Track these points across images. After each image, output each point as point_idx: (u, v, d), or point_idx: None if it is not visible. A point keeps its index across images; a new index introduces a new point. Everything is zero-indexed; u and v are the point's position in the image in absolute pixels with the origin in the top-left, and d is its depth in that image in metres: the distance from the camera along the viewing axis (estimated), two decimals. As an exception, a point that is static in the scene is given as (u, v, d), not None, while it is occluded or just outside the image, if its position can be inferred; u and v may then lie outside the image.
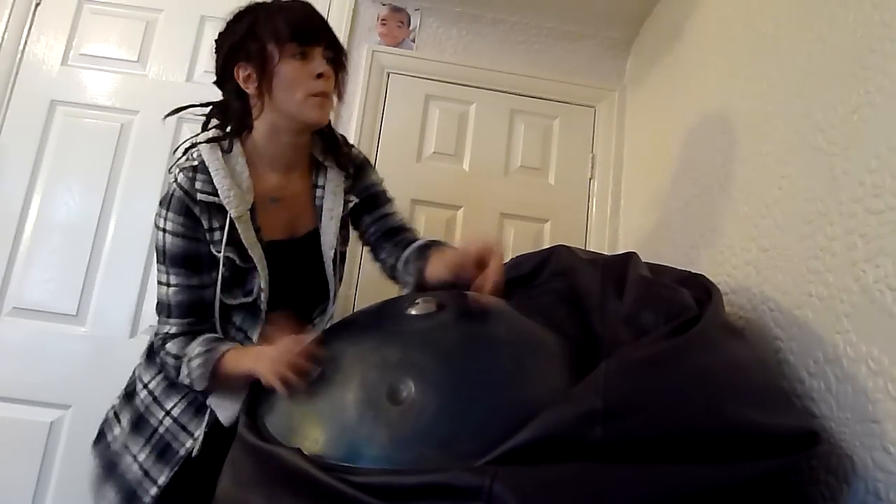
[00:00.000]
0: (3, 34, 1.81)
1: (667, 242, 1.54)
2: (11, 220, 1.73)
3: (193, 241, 1.04)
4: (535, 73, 2.02)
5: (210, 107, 1.12)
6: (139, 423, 1.09)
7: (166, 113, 1.12)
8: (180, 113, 1.12)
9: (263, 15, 1.03)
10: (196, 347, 1.01)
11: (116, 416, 1.13)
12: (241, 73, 1.04)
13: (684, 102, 1.58)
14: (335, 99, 1.10)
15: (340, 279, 1.20)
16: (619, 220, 1.95)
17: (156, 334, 1.08)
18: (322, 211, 1.13)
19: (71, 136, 1.80)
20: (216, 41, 1.08)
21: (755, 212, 1.16)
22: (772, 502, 0.72)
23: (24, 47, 1.83)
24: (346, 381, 0.79)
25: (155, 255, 1.06)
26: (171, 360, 1.04)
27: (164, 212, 1.03)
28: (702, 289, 0.94)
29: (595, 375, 0.69)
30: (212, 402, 1.04)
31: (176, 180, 1.04)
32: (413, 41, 1.99)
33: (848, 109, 0.94)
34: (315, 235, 1.14)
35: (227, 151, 1.06)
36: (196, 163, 1.04)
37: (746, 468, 0.66)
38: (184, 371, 1.01)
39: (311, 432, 0.76)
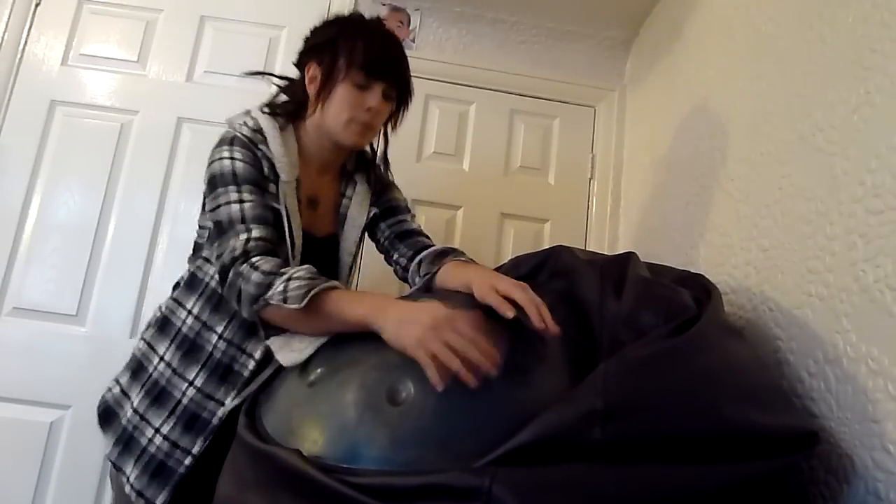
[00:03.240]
0: (3, 34, 1.81)
1: (667, 242, 1.54)
2: (11, 220, 1.73)
3: (261, 174, 1.04)
4: (535, 73, 2.02)
5: (287, 83, 1.18)
6: (160, 396, 1.04)
7: (249, 72, 1.20)
8: (263, 75, 1.20)
9: (350, 31, 1.09)
10: (301, 270, 0.91)
11: (125, 393, 1.09)
12: (310, 72, 1.11)
13: (684, 102, 1.58)
14: (390, 129, 1.19)
15: (346, 286, 1.21)
16: (619, 220, 1.95)
17: (227, 250, 0.96)
18: (346, 219, 1.18)
19: (71, 136, 1.80)
20: (311, 30, 1.15)
21: (755, 212, 1.16)
22: (772, 502, 0.72)
23: (24, 47, 1.83)
24: (345, 381, 0.79)
25: (212, 185, 1.01)
26: (257, 276, 0.91)
27: (227, 147, 1.04)
28: (701, 289, 0.94)
29: (594, 376, 0.69)
30: (274, 342, 0.94)
31: (238, 129, 1.06)
32: (413, 41, 1.98)
33: (848, 109, 0.94)
34: (332, 240, 1.17)
35: (282, 128, 1.10)
36: (255, 127, 1.08)
37: (746, 468, 0.66)
38: (277, 287, 0.89)
39: (311, 433, 0.76)
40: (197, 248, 1.14)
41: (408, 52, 1.16)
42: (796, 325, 0.98)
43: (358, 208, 1.19)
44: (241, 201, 0.99)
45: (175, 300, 1.11)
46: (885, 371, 0.80)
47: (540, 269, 1.06)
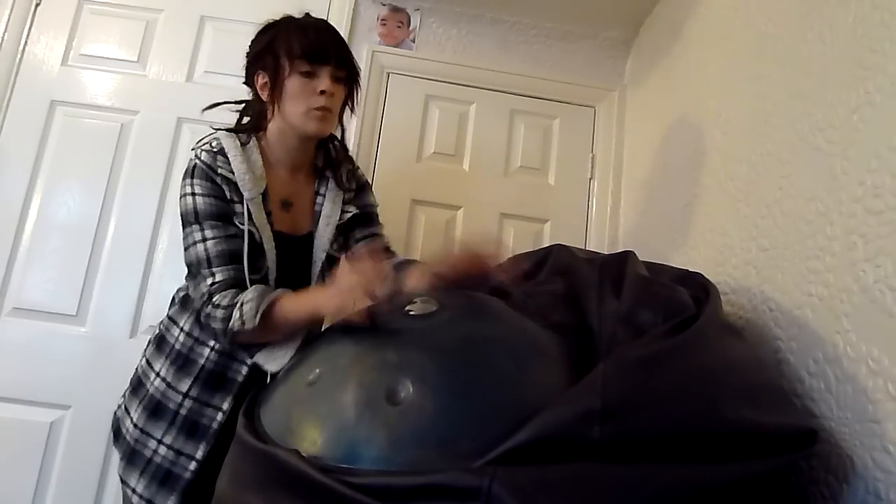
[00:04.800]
0: (3, 34, 1.82)
1: (667, 242, 1.54)
2: (11, 220, 1.73)
3: (222, 201, 1.09)
4: (535, 73, 2.02)
5: (243, 104, 1.23)
6: (157, 410, 1.10)
7: (205, 107, 1.21)
8: (219, 106, 1.20)
9: (284, 30, 1.14)
10: (249, 293, 1.02)
11: (126, 410, 1.15)
12: (259, 80, 1.16)
13: (684, 102, 1.58)
14: (348, 112, 1.23)
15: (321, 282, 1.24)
16: (619, 220, 1.95)
17: (197, 296, 1.07)
18: (320, 217, 1.20)
19: (71, 137, 1.80)
20: (249, 45, 1.19)
21: (755, 212, 1.15)
22: (771, 502, 0.72)
23: (24, 47, 1.84)
24: (344, 381, 0.79)
25: (182, 223, 1.09)
26: (219, 313, 1.02)
27: (189, 180, 1.09)
28: (700, 287, 0.94)
29: (593, 375, 0.69)
30: (259, 357, 1.04)
31: (198, 156, 1.11)
32: (413, 41, 1.99)
33: (848, 109, 0.94)
34: (309, 238, 1.20)
35: (244, 143, 1.14)
36: (216, 148, 1.12)
37: (745, 467, 0.66)
38: (235, 316, 1.00)
39: (310, 433, 0.76)
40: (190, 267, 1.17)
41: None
42: (796, 325, 0.98)
43: (331, 205, 1.22)
44: (204, 240, 1.06)
45: (170, 318, 1.18)
46: (885, 371, 0.79)
47: (539, 267, 1.06)
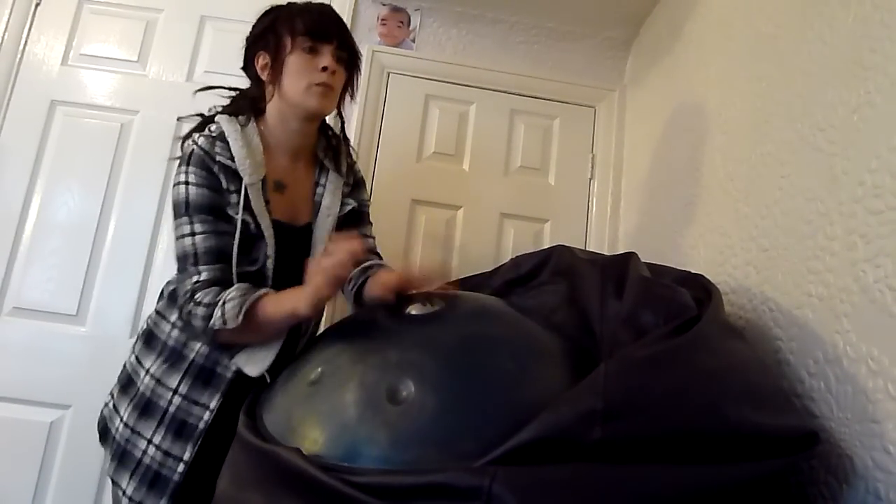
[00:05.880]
0: (3, 34, 1.81)
1: (667, 242, 1.54)
2: (11, 220, 1.73)
3: (216, 192, 1.06)
4: (535, 73, 2.02)
5: (237, 91, 1.21)
6: (147, 407, 1.07)
7: (198, 88, 1.22)
8: (211, 90, 1.20)
9: (286, 12, 1.14)
10: (232, 291, 1.00)
11: (115, 408, 1.12)
12: (260, 61, 1.15)
13: (684, 102, 1.58)
14: (347, 99, 1.23)
15: None
16: (619, 220, 1.95)
17: (181, 292, 1.04)
18: (320, 207, 1.19)
19: (71, 136, 1.80)
20: (250, 29, 1.19)
21: (755, 212, 1.16)
22: (771, 502, 0.72)
23: (24, 47, 1.83)
24: (345, 381, 0.79)
25: (173, 212, 1.06)
26: (201, 311, 1.00)
27: (184, 167, 1.07)
28: (701, 289, 0.94)
29: (594, 376, 0.69)
30: (239, 359, 1.03)
31: (196, 142, 1.08)
32: (413, 41, 1.99)
33: (848, 109, 0.94)
34: (309, 229, 1.18)
35: (243, 125, 1.12)
36: (215, 133, 1.10)
37: (746, 468, 0.66)
38: (216, 315, 0.98)
39: (311, 432, 0.76)
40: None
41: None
42: (796, 325, 0.98)
43: (331, 197, 1.20)
44: (193, 234, 1.04)
45: (158, 313, 1.15)
46: (885, 371, 0.80)
47: (540, 268, 1.06)
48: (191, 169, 1.06)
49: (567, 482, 0.61)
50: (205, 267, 1.03)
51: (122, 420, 1.09)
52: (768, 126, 1.16)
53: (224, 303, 0.98)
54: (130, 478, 1.05)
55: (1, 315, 1.70)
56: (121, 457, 1.07)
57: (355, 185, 1.29)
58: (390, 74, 1.96)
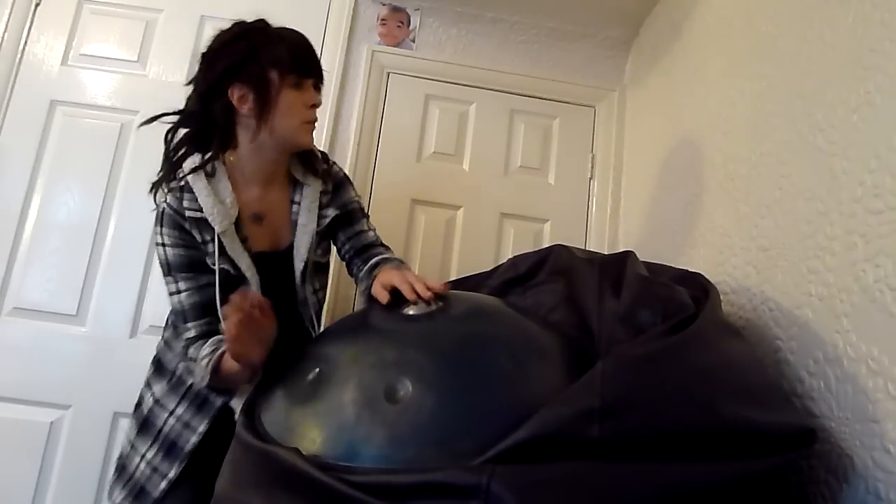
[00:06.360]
0: (3, 34, 1.82)
1: (667, 242, 1.54)
2: (11, 220, 1.73)
3: (192, 249, 1.09)
4: (535, 73, 2.02)
5: (185, 115, 1.15)
6: (145, 425, 1.15)
7: (141, 122, 1.18)
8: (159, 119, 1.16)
9: (264, 40, 1.08)
10: (205, 348, 1.05)
11: (129, 430, 1.20)
12: (237, 93, 1.07)
13: (684, 102, 1.58)
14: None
15: (321, 288, 1.25)
16: (619, 220, 1.95)
17: (178, 349, 1.14)
18: (297, 226, 1.18)
19: (71, 136, 1.80)
20: (207, 56, 1.10)
21: (755, 212, 1.15)
22: (770, 501, 0.72)
23: (24, 47, 1.83)
24: (343, 380, 0.79)
25: (160, 269, 1.10)
26: (192, 365, 1.08)
27: (159, 229, 1.09)
28: (699, 287, 0.94)
29: (592, 374, 0.69)
30: (234, 403, 1.10)
31: (165, 201, 1.10)
32: (413, 41, 1.99)
33: (848, 109, 0.94)
34: (290, 250, 1.18)
35: (210, 175, 1.10)
36: (182, 184, 1.10)
37: (743, 466, 0.66)
38: (197, 373, 1.06)
39: (309, 432, 0.76)
40: None
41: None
42: (796, 325, 0.98)
43: (307, 214, 1.18)
44: (178, 292, 1.09)
45: (166, 343, 1.21)
46: (885, 371, 0.79)
47: (539, 268, 1.06)
48: (164, 231, 1.08)
49: (565, 480, 0.61)
50: (193, 323, 1.07)
51: (128, 437, 1.18)
52: (768, 126, 1.16)
53: (198, 361, 1.05)
54: (122, 489, 1.13)
55: (1, 315, 1.70)
56: (121, 470, 1.16)
57: (336, 188, 1.25)
58: (390, 74, 1.96)
